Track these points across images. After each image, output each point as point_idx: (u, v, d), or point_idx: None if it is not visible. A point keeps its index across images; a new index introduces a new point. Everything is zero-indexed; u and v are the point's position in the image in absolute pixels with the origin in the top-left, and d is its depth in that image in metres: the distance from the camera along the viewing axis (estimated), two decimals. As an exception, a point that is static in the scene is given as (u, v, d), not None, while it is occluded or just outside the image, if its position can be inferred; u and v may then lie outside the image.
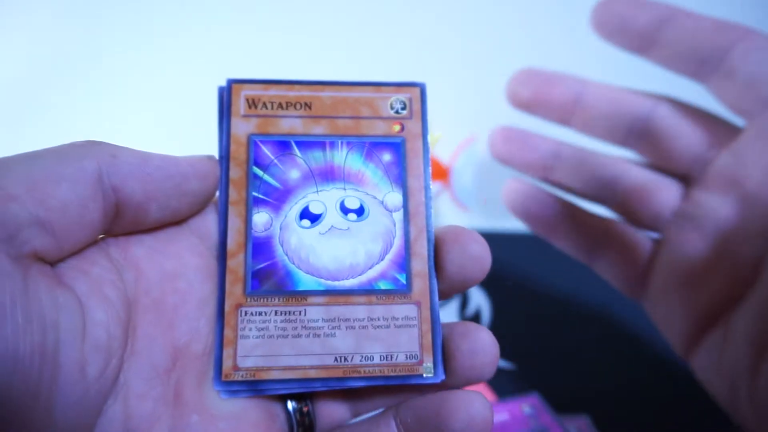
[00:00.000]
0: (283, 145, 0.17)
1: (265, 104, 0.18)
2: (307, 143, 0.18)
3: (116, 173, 0.15)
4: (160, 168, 0.15)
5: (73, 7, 0.52)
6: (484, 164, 0.54)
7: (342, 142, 0.18)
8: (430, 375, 0.16)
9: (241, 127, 0.17)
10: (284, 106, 0.18)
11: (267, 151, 0.17)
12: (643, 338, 0.32)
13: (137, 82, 0.53)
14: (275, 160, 0.17)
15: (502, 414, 0.25)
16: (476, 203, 0.53)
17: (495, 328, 0.33)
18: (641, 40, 0.21)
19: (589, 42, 0.51)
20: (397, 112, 0.18)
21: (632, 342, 0.32)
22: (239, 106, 0.18)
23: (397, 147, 0.18)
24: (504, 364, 0.30)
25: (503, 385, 0.28)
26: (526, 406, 0.25)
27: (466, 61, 0.52)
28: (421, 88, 0.18)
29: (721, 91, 0.19)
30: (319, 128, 0.18)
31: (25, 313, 0.12)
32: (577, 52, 0.51)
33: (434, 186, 0.48)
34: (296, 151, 0.17)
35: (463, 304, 0.36)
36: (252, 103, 0.18)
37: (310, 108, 0.18)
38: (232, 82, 0.18)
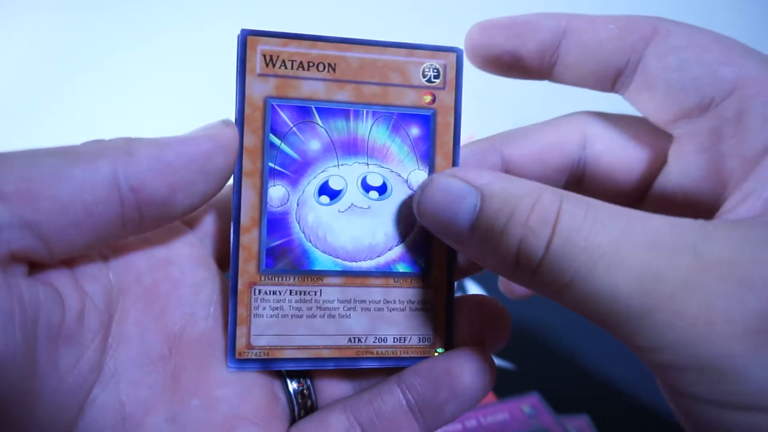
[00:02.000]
0: (303, 112, 0.16)
1: (284, 63, 0.16)
2: (329, 111, 0.16)
3: (134, 173, 0.13)
4: (181, 154, 0.14)
5: None
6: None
7: (367, 112, 0.16)
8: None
9: (257, 88, 0.16)
10: (305, 66, 0.16)
11: (285, 117, 0.16)
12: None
13: (149, 54, 0.53)
14: (294, 128, 0.16)
15: (502, 414, 0.25)
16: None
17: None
18: (537, 68, 0.17)
19: None
20: (429, 80, 0.16)
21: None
22: (255, 62, 0.15)
23: (426, 120, 0.16)
24: (504, 364, 0.30)
25: (503, 385, 0.28)
26: (526, 406, 0.25)
27: (467, 60, 0.52)
28: (458, 54, 0.16)
29: (640, 103, 0.16)
30: (343, 94, 0.16)
31: (8, 313, 0.12)
32: None
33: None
34: (317, 119, 0.16)
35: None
36: (270, 60, 0.16)
37: (334, 70, 0.16)
38: (247, 34, 0.16)
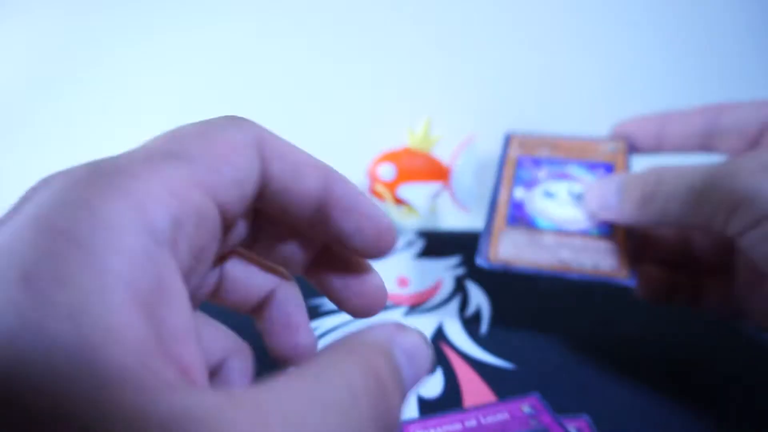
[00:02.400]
0: (537, 161, 0.33)
1: (527, 143, 0.34)
2: (551, 160, 0.33)
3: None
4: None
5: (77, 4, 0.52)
6: (483, 164, 0.54)
7: (573, 162, 0.32)
8: (628, 278, 0.26)
9: (514, 152, 0.34)
10: (539, 144, 0.34)
11: (527, 162, 0.33)
12: (643, 338, 0.32)
13: (144, 70, 0.53)
14: (531, 165, 0.33)
15: (502, 414, 0.25)
16: (476, 203, 0.53)
17: (495, 328, 0.33)
18: (654, 144, 0.30)
19: (583, 39, 0.51)
20: (610, 151, 0.32)
21: (633, 341, 0.32)
22: (515, 146, 0.34)
23: (609, 167, 0.32)
24: (504, 364, 0.30)
25: (503, 385, 0.28)
26: (526, 406, 0.25)
27: (466, 61, 0.52)
28: (628, 142, 0.32)
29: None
30: (560, 154, 0.33)
31: None
32: (573, 49, 0.51)
33: (434, 186, 0.48)
34: (544, 163, 0.33)
35: (463, 305, 0.36)
36: (520, 143, 0.34)
37: (555, 148, 0.33)
38: (510, 135, 0.36)
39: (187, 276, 0.12)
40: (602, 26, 0.52)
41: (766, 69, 0.49)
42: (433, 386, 0.29)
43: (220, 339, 0.17)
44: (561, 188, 0.31)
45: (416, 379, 0.14)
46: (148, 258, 0.10)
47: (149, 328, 0.10)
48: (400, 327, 0.14)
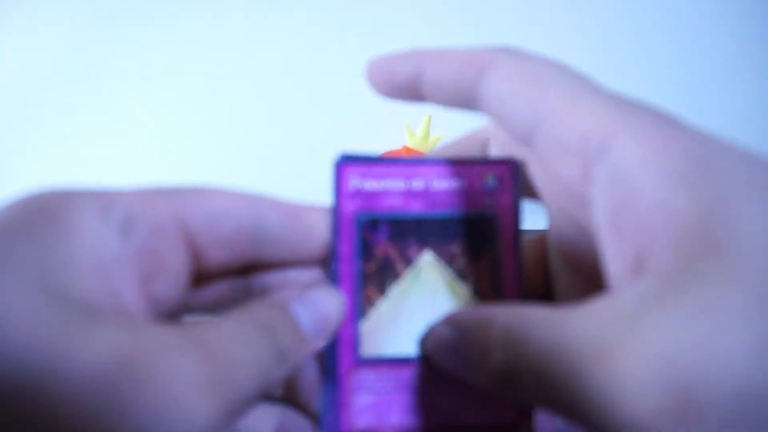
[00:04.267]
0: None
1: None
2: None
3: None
4: None
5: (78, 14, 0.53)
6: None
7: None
8: None
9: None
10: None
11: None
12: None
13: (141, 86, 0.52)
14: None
15: (459, 180, 0.20)
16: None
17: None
18: (409, 91, 0.20)
19: (584, 42, 0.52)
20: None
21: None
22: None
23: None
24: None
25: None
26: (490, 176, 0.21)
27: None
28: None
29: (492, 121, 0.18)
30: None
31: None
32: (573, 49, 0.53)
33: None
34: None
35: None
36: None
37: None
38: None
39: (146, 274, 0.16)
40: (603, 26, 0.53)
41: (765, 69, 0.50)
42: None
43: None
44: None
45: (318, 323, 0.17)
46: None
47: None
48: (303, 288, 0.17)
